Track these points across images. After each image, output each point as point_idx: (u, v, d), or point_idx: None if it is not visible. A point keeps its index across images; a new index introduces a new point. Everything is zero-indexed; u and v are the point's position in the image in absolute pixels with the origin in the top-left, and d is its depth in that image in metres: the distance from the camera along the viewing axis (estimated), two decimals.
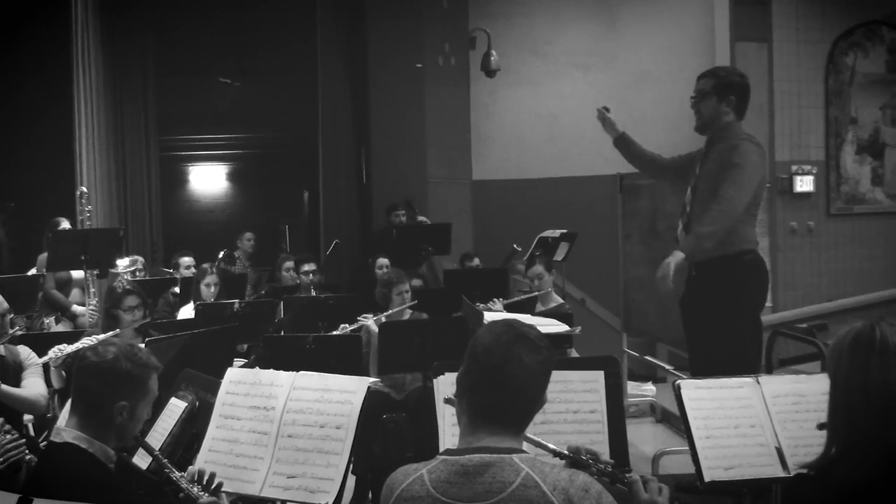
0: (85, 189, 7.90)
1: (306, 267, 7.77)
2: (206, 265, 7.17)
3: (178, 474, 2.82)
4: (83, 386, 2.73)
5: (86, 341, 4.81)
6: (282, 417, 3.23)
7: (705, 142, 4.82)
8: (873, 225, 9.03)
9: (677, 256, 4.57)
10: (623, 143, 5.19)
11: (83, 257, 6.62)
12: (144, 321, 5.28)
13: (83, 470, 2.63)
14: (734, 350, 4.57)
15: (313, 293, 7.54)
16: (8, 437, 3.44)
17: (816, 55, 8.88)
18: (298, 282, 7.92)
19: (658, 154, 5.21)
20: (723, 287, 4.61)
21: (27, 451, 3.39)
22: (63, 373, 4.77)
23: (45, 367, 4.63)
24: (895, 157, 9.11)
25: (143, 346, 3.50)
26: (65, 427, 2.72)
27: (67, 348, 4.73)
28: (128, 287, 5.39)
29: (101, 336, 4.91)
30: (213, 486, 2.79)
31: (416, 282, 7.14)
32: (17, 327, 4.87)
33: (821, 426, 2.33)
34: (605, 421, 3.16)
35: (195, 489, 2.78)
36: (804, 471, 2.33)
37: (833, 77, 8.93)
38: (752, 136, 4.71)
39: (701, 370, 4.66)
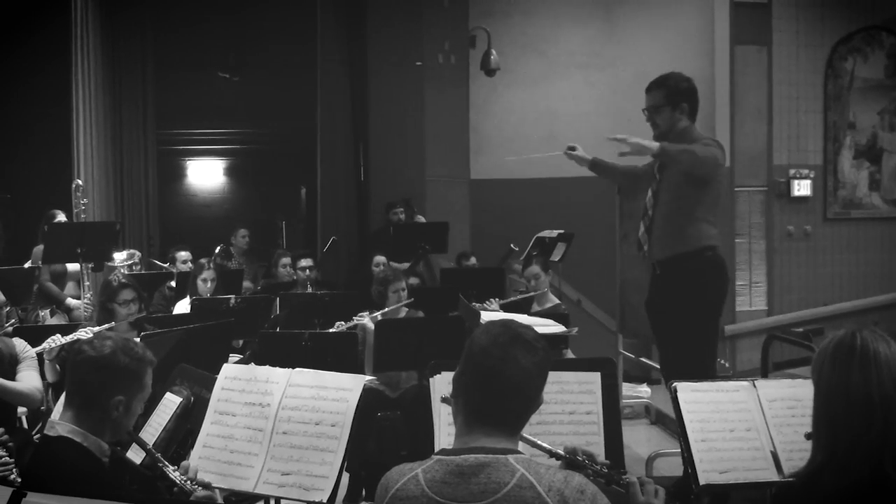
0: (81, 182, 7.88)
1: (303, 263, 7.77)
2: (203, 260, 7.17)
3: (171, 468, 2.82)
4: (79, 380, 2.72)
5: (81, 333, 4.80)
6: (277, 414, 3.23)
7: None
8: (870, 230, 9.05)
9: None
10: (598, 168, 5.28)
11: (79, 250, 6.60)
12: (140, 315, 5.27)
13: (77, 464, 2.63)
14: (694, 350, 4.66)
15: (310, 289, 7.53)
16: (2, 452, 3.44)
17: (816, 59, 8.89)
18: (295, 278, 7.91)
19: (632, 166, 5.30)
20: (685, 284, 4.71)
21: (13, 471, 3.37)
22: (57, 366, 4.76)
23: (40, 360, 4.61)
24: (893, 162, 9.13)
25: (137, 340, 3.48)
26: (59, 420, 2.71)
27: (61, 339, 4.72)
28: (123, 281, 5.38)
29: (97, 329, 4.90)
30: (205, 483, 2.79)
31: (413, 280, 7.14)
32: (13, 320, 4.86)
33: (808, 436, 2.35)
34: (600, 422, 3.16)
35: (189, 484, 2.78)
36: (792, 480, 2.34)
37: (832, 81, 8.94)
38: (709, 137, 4.84)
39: (671, 372, 4.70)
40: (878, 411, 2.18)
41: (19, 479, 3.26)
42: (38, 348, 4.61)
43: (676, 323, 4.75)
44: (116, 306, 5.19)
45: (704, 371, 4.60)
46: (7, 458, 3.43)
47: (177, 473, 2.81)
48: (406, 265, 8.18)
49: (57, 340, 4.71)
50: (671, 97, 4.78)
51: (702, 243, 4.73)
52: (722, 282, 4.85)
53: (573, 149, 5.26)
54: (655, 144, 4.73)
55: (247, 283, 8.35)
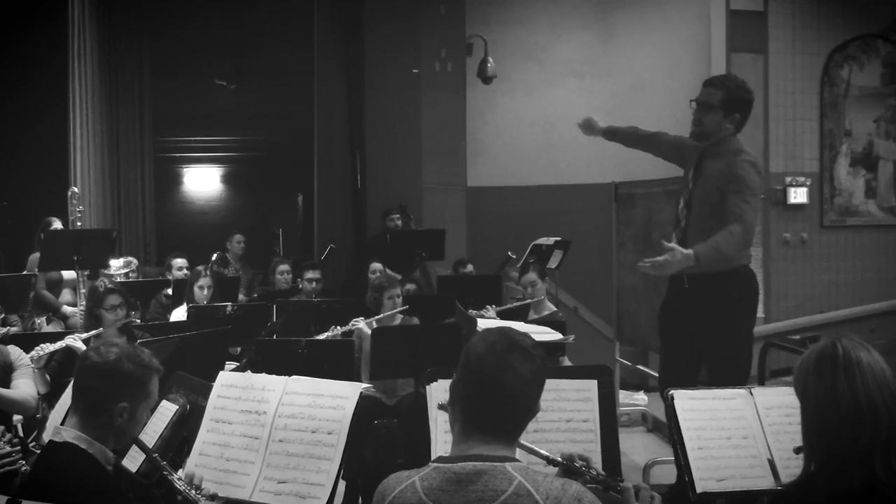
0: (76, 189, 7.87)
1: (310, 274, 7.55)
2: (199, 267, 7.15)
3: (175, 476, 2.82)
4: (84, 386, 2.72)
5: (69, 340, 4.80)
6: (273, 422, 3.22)
7: (699, 151, 4.72)
8: (866, 237, 9.07)
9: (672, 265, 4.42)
10: (612, 134, 5.26)
11: (75, 258, 6.59)
12: (127, 321, 5.25)
13: (81, 471, 2.63)
14: (732, 362, 4.59)
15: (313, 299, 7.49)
16: (7, 447, 3.43)
17: (812, 67, 8.92)
18: (301, 287, 7.80)
19: (652, 135, 5.19)
20: (720, 300, 4.59)
21: (23, 461, 3.37)
22: (47, 377, 4.75)
23: None
24: (889, 169, 9.15)
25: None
26: (65, 427, 2.71)
27: (50, 347, 4.71)
28: (110, 286, 5.36)
29: (84, 335, 4.89)
30: (210, 494, 2.79)
31: (410, 286, 7.13)
32: (9, 327, 4.84)
33: (798, 450, 2.38)
34: (597, 430, 3.15)
35: (193, 492, 2.77)
36: (784, 489, 2.36)
37: (828, 89, 8.97)
38: (748, 150, 4.64)
39: (678, 381, 4.61)
40: (866, 417, 2.22)
41: (28, 468, 3.25)
42: (28, 355, 4.60)
43: (708, 337, 4.64)
44: (103, 312, 5.16)
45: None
46: (9, 449, 3.42)
47: (181, 482, 2.81)
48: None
49: (45, 348, 4.69)
50: (727, 103, 4.54)
51: (740, 262, 4.61)
52: (755, 298, 4.73)
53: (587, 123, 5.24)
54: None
55: (241, 297, 8.30)
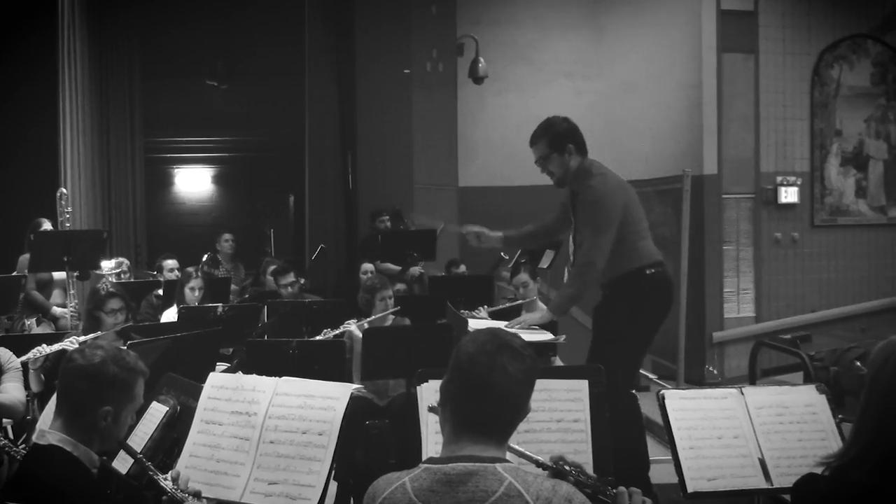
0: (66, 191, 7.84)
1: (284, 280, 7.38)
2: (190, 269, 7.12)
3: (162, 477, 2.81)
4: (69, 388, 2.71)
5: (66, 344, 4.78)
6: (264, 423, 3.22)
7: (569, 192, 4.93)
8: (857, 236, 9.09)
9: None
10: (512, 241, 5.31)
11: (65, 259, 6.57)
12: (126, 325, 5.24)
13: (66, 474, 2.62)
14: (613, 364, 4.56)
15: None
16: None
17: (802, 67, 8.94)
18: (281, 293, 7.74)
19: (539, 223, 5.30)
20: (624, 303, 4.71)
21: (8, 450, 3.36)
22: (42, 376, 4.73)
23: (25, 369, 4.58)
24: (879, 169, 9.17)
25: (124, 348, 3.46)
26: (49, 429, 2.70)
27: (47, 349, 4.70)
28: (111, 290, 5.35)
29: (83, 338, 4.87)
30: (195, 492, 2.79)
31: (400, 286, 7.12)
32: None
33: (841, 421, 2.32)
34: (588, 430, 3.16)
35: (179, 493, 2.76)
36: (817, 470, 2.32)
37: (818, 89, 8.99)
38: (601, 170, 4.76)
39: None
40: None
41: (19, 456, 3.24)
42: (23, 358, 4.58)
43: (609, 339, 4.78)
44: (103, 315, 5.16)
45: None
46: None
47: (168, 483, 2.80)
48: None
49: (42, 350, 4.68)
50: (554, 143, 4.77)
51: (640, 262, 4.71)
52: (660, 303, 4.82)
53: (478, 235, 5.17)
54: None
55: (233, 287, 8.29)
